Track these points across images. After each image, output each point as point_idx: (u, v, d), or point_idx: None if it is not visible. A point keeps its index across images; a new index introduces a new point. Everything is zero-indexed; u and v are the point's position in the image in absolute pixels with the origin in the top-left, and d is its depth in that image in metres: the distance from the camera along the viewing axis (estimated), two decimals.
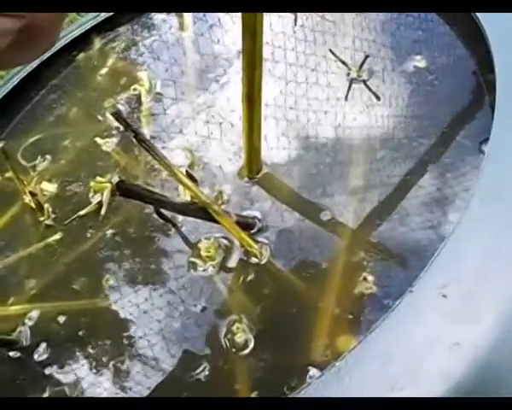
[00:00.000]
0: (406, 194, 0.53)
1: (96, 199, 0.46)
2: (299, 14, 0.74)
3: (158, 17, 0.87)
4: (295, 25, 0.75)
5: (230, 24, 0.81)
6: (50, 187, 0.71)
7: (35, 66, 0.85)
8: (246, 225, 0.54)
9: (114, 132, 0.71)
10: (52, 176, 0.72)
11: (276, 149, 0.61)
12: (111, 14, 0.89)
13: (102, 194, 0.45)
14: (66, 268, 0.64)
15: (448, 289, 0.40)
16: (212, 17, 0.83)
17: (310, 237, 0.54)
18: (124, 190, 0.46)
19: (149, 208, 0.61)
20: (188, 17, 0.85)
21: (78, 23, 0.91)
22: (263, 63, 0.48)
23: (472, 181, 0.52)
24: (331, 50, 0.63)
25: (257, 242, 0.54)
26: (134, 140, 0.49)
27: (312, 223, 0.55)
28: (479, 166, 0.54)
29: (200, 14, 0.85)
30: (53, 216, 0.68)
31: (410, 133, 0.59)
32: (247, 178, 0.59)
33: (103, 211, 0.43)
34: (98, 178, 0.66)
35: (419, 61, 0.62)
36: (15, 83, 0.83)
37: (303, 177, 0.59)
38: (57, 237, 0.66)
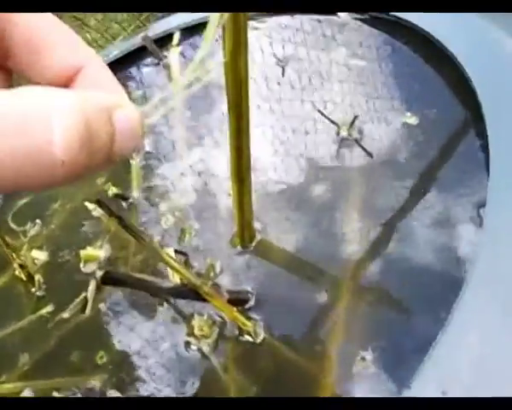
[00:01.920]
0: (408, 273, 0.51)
1: (81, 295, 0.44)
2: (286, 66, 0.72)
3: (146, 70, 0.85)
4: (283, 76, 0.73)
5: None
6: (41, 255, 0.69)
7: None
8: (239, 301, 0.52)
9: (104, 195, 0.69)
10: (43, 243, 0.70)
11: (269, 214, 0.59)
12: None
13: (87, 289, 0.43)
14: (60, 341, 0.62)
15: (448, 385, 0.38)
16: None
17: (306, 313, 0.52)
18: (110, 280, 0.44)
19: None
20: (176, 67, 0.83)
21: None
22: (250, 138, 0.46)
23: (468, 254, 0.50)
24: (319, 110, 0.61)
25: (250, 319, 0.52)
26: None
27: (309, 296, 0.52)
28: (475, 230, 0.52)
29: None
30: (44, 286, 0.66)
31: (404, 192, 0.57)
32: (239, 247, 0.57)
33: (88, 309, 0.41)
34: (88, 249, 0.65)
35: (409, 118, 0.60)
36: None
37: (299, 242, 0.57)
38: (49, 308, 0.64)
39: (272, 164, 0.63)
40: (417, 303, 0.48)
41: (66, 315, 0.42)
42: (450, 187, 0.56)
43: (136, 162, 0.71)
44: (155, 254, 0.47)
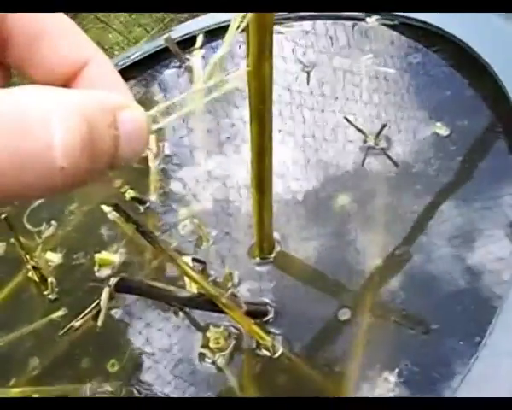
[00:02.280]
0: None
1: (94, 302, 0.42)
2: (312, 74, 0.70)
3: (168, 72, 0.84)
4: (308, 83, 0.71)
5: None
6: (55, 257, 0.67)
7: None
8: (257, 313, 0.50)
9: (121, 199, 0.67)
10: (57, 244, 0.69)
11: (289, 224, 0.57)
12: (119, 68, 0.85)
13: (100, 294, 0.41)
14: (71, 347, 0.60)
15: None
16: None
17: (327, 328, 0.49)
18: (124, 288, 0.42)
19: None
20: (199, 70, 0.82)
21: None
22: (272, 149, 0.44)
23: (499, 270, 0.47)
24: (346, 118, 0.58)
25: (269, 333, 0.49)
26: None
27: (330, 311, 0.50)
28: (507, 246, 0.49)
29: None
30: (57, 290, 0.64)
31: (431, 206, 0.54)
32: (258, 258, 0.55)
33: (100, 320, 0.39)
34: (103, 254, 0.63)
35: (440, 128, 0.58)
36: None
37: (320, 255, 0.54)
38: (61, 312, 0.62)
39: (294, 172, 0.60)
40: (446, 323, 0.45)
41: (77, 324, 0.40)
42: (480, 201, 0.53)
43: (154, 166, 0.69)
44: (172, 261, 0.45)
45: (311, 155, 0.62)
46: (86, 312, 0.41)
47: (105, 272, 0.62)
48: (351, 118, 0.60)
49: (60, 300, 0.63)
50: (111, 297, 0.40)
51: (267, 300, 0.52)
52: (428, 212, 0.54)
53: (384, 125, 0.56)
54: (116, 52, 1.81)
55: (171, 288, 0.45)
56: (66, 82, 0.25)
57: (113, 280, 0.41)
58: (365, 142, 0.59)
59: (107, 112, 0.21)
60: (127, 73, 0.85)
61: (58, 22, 0.25)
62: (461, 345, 0.44)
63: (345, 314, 0.48)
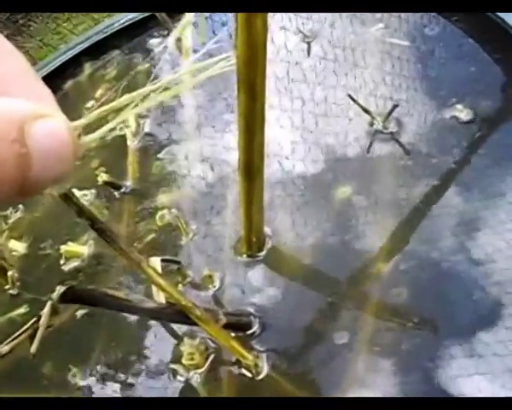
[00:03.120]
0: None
1: (33, 320, 0.34)
2: (313, 45, 0.61)
3: (154, 41, 0.75)
4: (308, 55, 0.62)
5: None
6: (20, 246, 0.59)
7: None
8: (239, 325, 0.42)
9: (94, 182, 0.59)
10: (23, 232, 0.61)
11: (283, 217, 0.49)
12: (102, 36, 0.77)
13: (39, 316, 0.33)
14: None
15: None
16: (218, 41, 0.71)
17: (321, 347, 0.41)
18: (74, 299, 0.34)
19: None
20: (187, 41, 0.73)
21: (66, 46, 0.79)
22: (264, 126, 0.36)
23: None
24: (350, 96, 0.50)
25: (252, 349, 0.41)
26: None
27: (326, 325, 0.42)
28: None
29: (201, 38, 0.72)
30: (19, 284, 0.56)
31: (445, 202, 0.46)
32: (245, 256, 0.47)
33: (34, 346, 0.31)
34: (70, 245, 0.55)
35: (460, 111, 0.49)
36: None
37: (317, 254, 0.46)
38: (22, 310, 0.54)
39: (289, 156, 0.52)
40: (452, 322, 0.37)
41: (6, 348, 0.32)
42: (505, 197, 0.45)
43: (132, 145, 0.61)
44: (136, 265, 0.36)
45: (309, 138, 0.54)
46: (20, 332, 0.33)
47: (72, 264, 0.54)
48: (356, 96, 0.51)
49: (21, 295, 0.55)
50: (55, 312, 0.32)
51: (251, 309, 0.44)
52: (442, 208, 0.46)
53: (395, 106, 0.48)
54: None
55: (134, 297, 0.37)
56: None
57: (58, 290, 0.33)
58: (372, 124, 0.51)
59: (9, 124, 0.16)
60: (110, 41, 0.77)
61: None
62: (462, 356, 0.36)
63: (342, 337, 0.40)
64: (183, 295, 0.38)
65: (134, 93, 0.22)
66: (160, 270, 0.39)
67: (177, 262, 0.44)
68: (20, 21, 2.37)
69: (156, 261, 0.41)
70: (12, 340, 0.32)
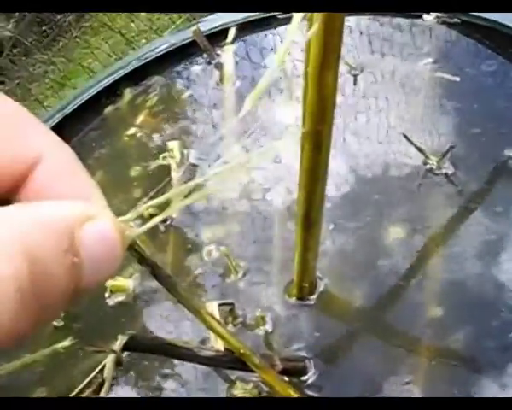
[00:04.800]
0: None
1: (95, 370, 0.33)
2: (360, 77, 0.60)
3: (195, 68, 0.74)
4: (354, 88, 0.61)
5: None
6: None
7: (57, 120, 0.74)
8: (294, 371, 0.41)
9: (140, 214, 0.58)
10: None
11: (334, 260, 0.47)
12: (142, 62, 0.77)
13: (103, 369, 0.32)
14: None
15: None
16: (258, 68, 0.70)
17: (377, 392, 0.40)
18: (135, 347, 0.34)
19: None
20: (230, 68, 0.72)
21: (106, 72, 0.79)
22: (326, 181, 0.35)
23: None
24: (405, 135, 0.48)
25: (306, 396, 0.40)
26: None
27: (387, 368, 0.41)
28: None
29: (247, 66, 0.71)
30: (63, 315, 0.56)
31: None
32: (296, 299, 0.46)
33: (104, 391, 0.30)
34: (116, 279, 0.54)
35: None
36: None
37: (372, 298, 0.45)
38: (67, 343, 0.54)
39: (341, 198, 0.51)
40: None
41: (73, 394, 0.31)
42: None
43: (177, 176, 0.60)
44: (195, 313, 0.36)
45: (357, 175, 0.53)
46: (84, 384, 0.32)
47: (117, 299, 0.54)
48: (407, 133, 0.50)
49: (66, 327, 0.55)
50: (118, 364, 0.31)
51: (304, 353, 0.42)
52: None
53: (452, 147, 0.46)
54: (138, 42, 1.73)
55: (192, 345, 0.36)
56: (12, 186, 0.18)
57: (120, 340, 0.32)
58: (425, 163, 0.49)
59: (61, 234, 0.15)
60: (150, 67, 0.77)
61: None
62: None
63: (398, 381, 0.38)
64: (242, 342, 0.37)
65: (182, 186, 0.22)
66: (217, 315, 0.38)
67: (231, 304, 0.43)
68: (50, 37, 2.40)
69: (214, 306, 0.40)
70: (77, 393, 0.31)
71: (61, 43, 2.40)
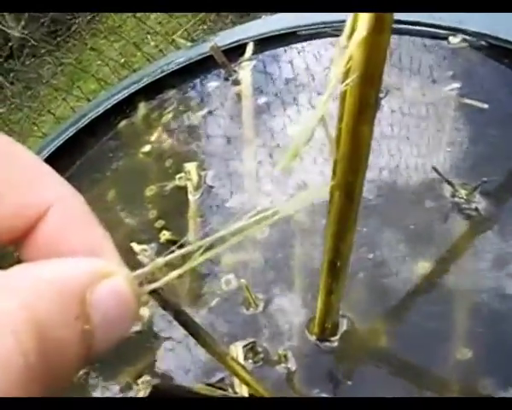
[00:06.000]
0: None
1: None
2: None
3: (212, 84, 0.73)
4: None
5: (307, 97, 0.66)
6: None
7: (71, 133, 0.72)
8: None
9: (154, 236, 0.57)
10: None
11: (359, 298, 0.46)
12: (158, 76, 0.75)
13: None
14: None
15: None
16: (279, 85, 0.68)
17: None
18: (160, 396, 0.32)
19: None
20: (248, 86, 0.70)
21: (120, 86, 0.77)
22: (356, 230, 0.33)
23: None
24: (435, 168, 0.46)
25: None
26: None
27: None
28: None
29: (266, 81, 0.70)
30: None
31: None
32: (316, 339, 0.44)
33: None
34: None
35: None
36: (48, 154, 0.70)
37: (400, 338, 0.43)
38: (80, 373, 0.52)
39: (365, 233, 0.49)
40: None
41: None
42: None
43: (194, 199, 0.58)
44: (220, 359, 0.34)
45: (378, 206, 0.51)
46: None
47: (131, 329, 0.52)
48: (432, 162, 0.48)
49: None
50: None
51: (327, 395, 0.40)
52: None
53: (484, 182, 0.44)
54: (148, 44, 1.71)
55: (217, 393, 0.34)
56: (19, 236, 0.17)
57: (145, 387, 0.30)
58: (453, 196, 0.47)
59: (71, 300, 0.14)
60: (165, 81, 0.75)
61: (5, 151, 0.17)
62: None
63: None
64: (267, 389, 0.35)
65: (202, 241, 0.21)
66: (242, 359, 0.36)
67: (252, 342, 0.41)
68: (59, 37, 2.39)
69: (238, 350, 0.38)
70: None
71: (69, 45, 2.38)
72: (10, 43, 2.20)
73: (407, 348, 0.42)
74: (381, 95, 0.58)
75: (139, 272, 0.19)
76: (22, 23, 2.20)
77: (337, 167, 0.30)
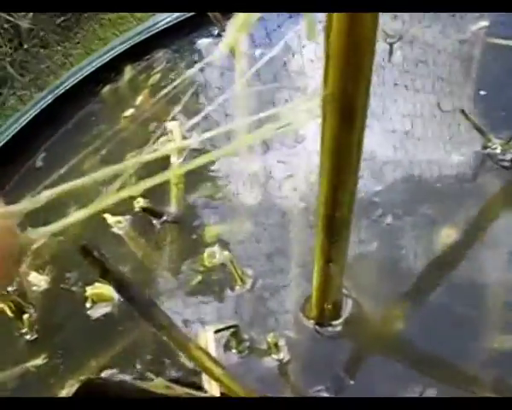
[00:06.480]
0: None
1: None
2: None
3: (203, 41, 0.64)
4: (389, 60, 0.50)
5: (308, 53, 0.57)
6: (41, 280, 0.49)
7: (51, 100, 0.65)
8: None
9: (130, 208, 0.49)
10: (45, 262, 0.51)
11: (368, 270, 0.37)
12: (145, 36, 0.66)
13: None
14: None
15: None
16: (275, 42, 0.60)
17: None
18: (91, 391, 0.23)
19: None
20: (241, 44, 0.61)
21: (106, 47, 0.69)
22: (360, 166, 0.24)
23: None
24: (463, 111, 0.37)
25: None
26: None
27: None
28: None
29: (261, 38, 0.61)
30: (37, 327, 0.46)
31: None
32: (315, 323, 0.35)
33: None
34: (97, 286, 0.45)
35: None
36: (22, 125, 0.62)
37: (417, 328, 0.34)
38: (39, 361, 0.44)
39: (377, 192, 0.40)
40: None
41: None
42: None
43: (176, 164, 0.50)
44: (183, 350, 0.25)
45: (398, 163, 0.42)
46: None
47: (99, 310, 0.44)
48: (449, 103, 0.38)
49: (39, 343, 0.45)
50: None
51: (327, 394, 0.32)
52: None
53: None
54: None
55: (180, 391, 0.26)
56: None
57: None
58: (485, 147, 0.38)
59: None
60: (155, 41, 0.67)
61: None
62: None
63: None
64: (245, 386, 0.27)
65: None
66: (213, 348, 0.28)
67: (234, 326, 0.33)
68: (68, 28, 2.33)
69: (209, 337, 0.29)
70: None
71: (78, 35, 2.32)
72: (20, 35, 2.15)
73: (428, 337, 0.33)
74: (393, 40, 0.49)
75: (15, 206, 0.18)
76: (31, 14, 2.14)
77: (328, 73, 0.21)
